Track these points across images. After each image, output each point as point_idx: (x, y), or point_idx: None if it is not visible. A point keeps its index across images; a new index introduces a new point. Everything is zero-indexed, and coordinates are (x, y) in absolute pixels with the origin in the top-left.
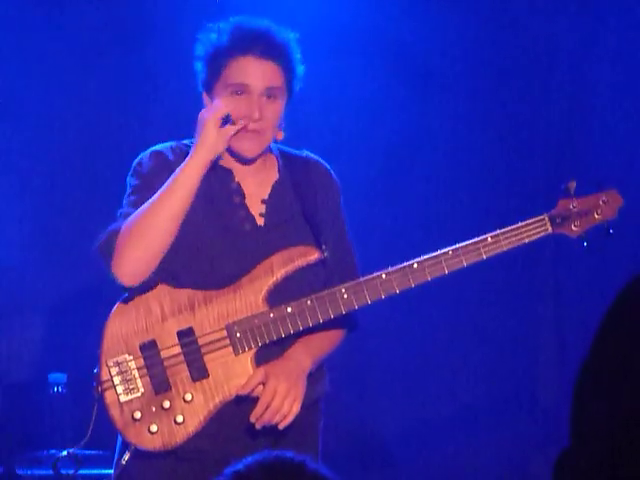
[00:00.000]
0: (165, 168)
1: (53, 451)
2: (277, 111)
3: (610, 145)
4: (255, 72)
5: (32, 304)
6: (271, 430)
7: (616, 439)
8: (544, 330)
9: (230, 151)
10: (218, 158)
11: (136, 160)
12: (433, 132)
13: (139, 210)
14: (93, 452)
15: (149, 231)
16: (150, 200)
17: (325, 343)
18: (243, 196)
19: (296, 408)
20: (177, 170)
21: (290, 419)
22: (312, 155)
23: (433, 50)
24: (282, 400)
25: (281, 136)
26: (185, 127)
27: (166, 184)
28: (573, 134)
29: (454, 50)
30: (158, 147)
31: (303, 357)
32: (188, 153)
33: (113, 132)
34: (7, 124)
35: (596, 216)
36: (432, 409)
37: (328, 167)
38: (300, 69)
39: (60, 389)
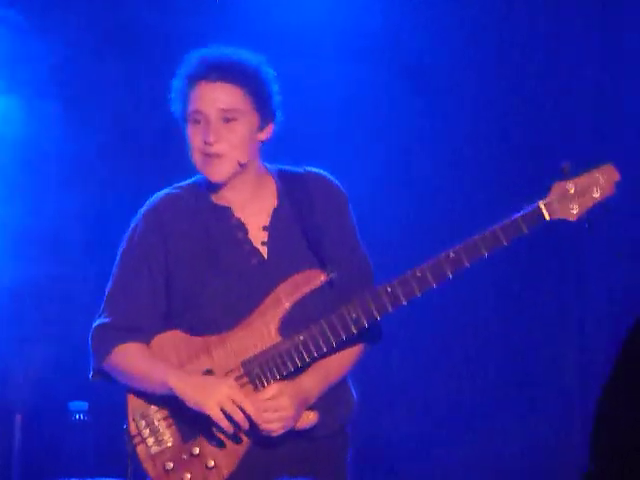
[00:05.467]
0: (159, 239)
1: (75, 479)
2: (238, 133)
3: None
4: (206, 97)
5: (53, 332)
6: (299, 461)
7: (635, 463)
8: (566, 350)
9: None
10: (212, 198)
11: (132, 225)
12: (433, 137)
13: (128, 366)
14: None
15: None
16: (135, 370)
17: (338, 365)
18: (246, 231)
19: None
20: (159, 373)
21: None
22: (313, 170)
23: (436, 54)
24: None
25: (245, 159)
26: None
27: (148, 372)
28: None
29: (458, 53)
30: (153, 205)
31: (310, 385)
32: (184, 202)
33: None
34: None
35: (594, 195)
36: (445, 423)
37: (330, 179)
38: (274, 88)
39: (82, 417)
